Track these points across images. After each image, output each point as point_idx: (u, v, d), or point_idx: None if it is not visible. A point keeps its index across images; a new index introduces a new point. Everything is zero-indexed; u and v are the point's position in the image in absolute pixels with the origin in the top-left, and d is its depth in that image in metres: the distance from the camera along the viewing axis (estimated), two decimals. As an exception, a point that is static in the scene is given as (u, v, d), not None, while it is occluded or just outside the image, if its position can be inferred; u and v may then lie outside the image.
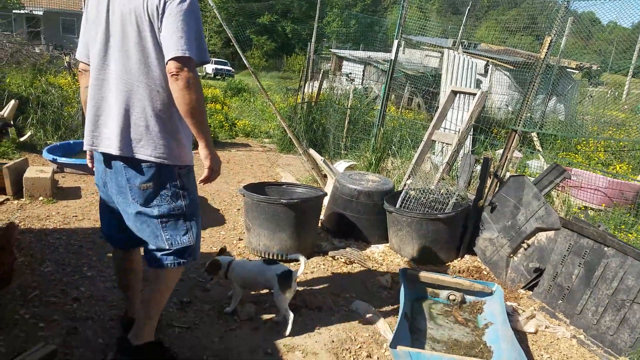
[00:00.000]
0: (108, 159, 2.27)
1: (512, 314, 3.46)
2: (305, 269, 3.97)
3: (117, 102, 2.16)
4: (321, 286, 3.69)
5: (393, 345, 2.55)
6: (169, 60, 2.03)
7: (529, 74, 4.64)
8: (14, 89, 7.97)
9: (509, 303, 3.68)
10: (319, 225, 4.95)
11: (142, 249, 2.50)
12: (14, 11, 20.03)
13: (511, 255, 4.01)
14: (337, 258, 4.17)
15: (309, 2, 40.61)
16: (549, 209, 3.71)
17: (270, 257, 4.04)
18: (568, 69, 11.90)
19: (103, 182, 2.41)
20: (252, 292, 3.39)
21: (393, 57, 6.26)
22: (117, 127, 2.17)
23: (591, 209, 5.48)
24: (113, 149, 2.18)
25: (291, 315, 2.98)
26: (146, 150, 2.19)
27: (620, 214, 5.08)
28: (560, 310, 3.50)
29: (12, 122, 6.82)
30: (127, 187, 2.24)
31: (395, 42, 6.15)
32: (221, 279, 3.17)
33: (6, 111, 6.88)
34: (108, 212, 2.49)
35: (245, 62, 6.16)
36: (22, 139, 6.92)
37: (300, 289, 3.59)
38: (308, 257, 4.16)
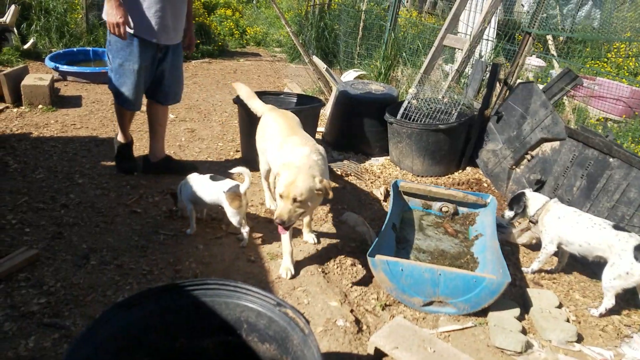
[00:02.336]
0: None
1: (507, 226, 3.38)
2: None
3: None
4: (313, 197, 3.64)
5: (372, 254, 2.51)
6: None
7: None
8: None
9: (505, 216, 3.59)
10: (320, 137, 4.82)
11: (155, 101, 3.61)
12: None
13: (513, 167, 3.84)
14: (334, 170, 4.08)
15: None
16: (556, 117, 3.47)
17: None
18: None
19: None
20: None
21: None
22: None
23: (611, 120, 5.16)
24: None
25: (246, 229, 2.90)
26: None
27: (640, 126, 4.77)
28: (557, 224, 3.39)
29: (11, 28, 6.65)
30: None
31: None
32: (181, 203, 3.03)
33: (8, 17, 6.70)
34: None
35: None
36: (25, 47, 6.78)
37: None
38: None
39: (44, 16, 7.34)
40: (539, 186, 3.58)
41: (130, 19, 3.01)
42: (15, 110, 4.73)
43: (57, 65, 5.91)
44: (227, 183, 2.88)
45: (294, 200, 2.38)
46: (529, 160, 3.71)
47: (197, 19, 8.46)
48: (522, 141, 3.75)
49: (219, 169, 3.98)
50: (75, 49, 6.84)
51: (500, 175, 3.92)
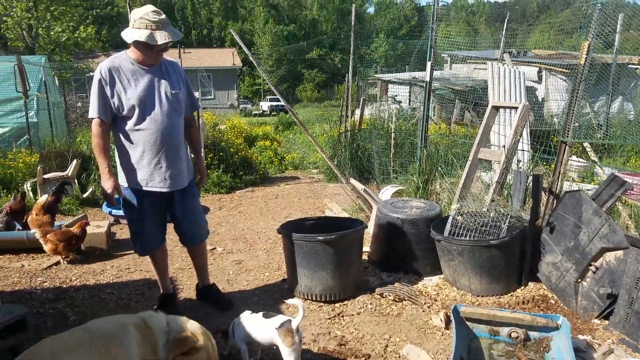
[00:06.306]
0: None
1: (586, 350, 3.08)
2: (352, 309, 3.80)
3: None
4: (369, 329, 3.48)
5: (442, 397, 2.30)
6: None
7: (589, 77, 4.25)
8: (82, 148, 8.50)
9: (582, 336, 3.30)
10: (365, 258, 4.76)
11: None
12: (86, 75, 21.66)
13: (579, 280, 3.62)
14: (386, 295, 3.95)
15: (355, 32, 41.87)
16: (613, 225, 3.33)
17: (314, 299, 3.90)
18: (630, 65, 11.05)
19: None
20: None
21: (428, 79, 6.05)
22: None
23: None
24: None
25: None
26: None
27: None
28: (642, 342, 3.08)
29: (71, 181, 7.27)
30: None
31: (428, 64, 5.96)
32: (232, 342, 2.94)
33: (70, 170, 7.35)
34: None
35: (282, 100, 6.18)
36: (84, 196, 7.33)
37: (347, 334, 3.41)
38: (354, 296, 3.96)
39: (102, 166, 7.98)
40: (611, 300, 3.33)
41: (132, 175, 3.34)
42: (74, 258, 4.94)
43: (111, 209, 6.29)
44: (279, 319, 2.79)
45: None
46: (594, 272, 3.50)
47: (240, 153, 9.05)
48: (581, 252, 3.58)
49: (266, 302, 3.93)
50: (128, 194, 7.30)
51: (566, 290, 3.69)
